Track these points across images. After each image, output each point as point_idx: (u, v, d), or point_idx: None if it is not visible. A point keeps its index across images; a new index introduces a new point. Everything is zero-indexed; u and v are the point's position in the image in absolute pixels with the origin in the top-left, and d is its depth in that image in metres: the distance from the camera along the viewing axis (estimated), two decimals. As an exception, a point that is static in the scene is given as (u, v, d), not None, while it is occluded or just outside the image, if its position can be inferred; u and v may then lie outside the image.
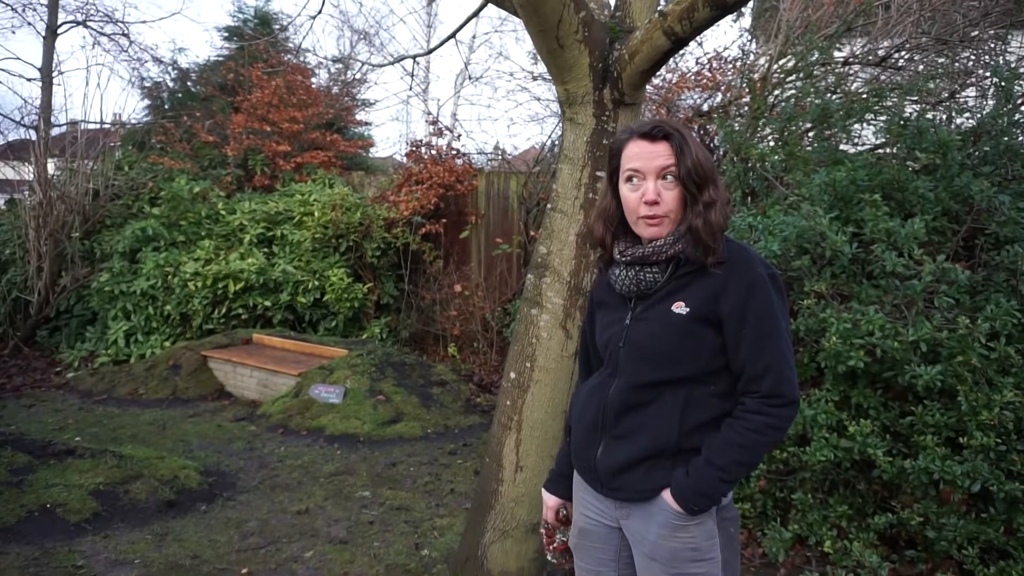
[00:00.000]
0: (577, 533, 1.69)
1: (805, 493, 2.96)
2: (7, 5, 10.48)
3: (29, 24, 11.78)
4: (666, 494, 1.48)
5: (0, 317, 6.98)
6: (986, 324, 2.64)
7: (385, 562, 3.06)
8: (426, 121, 8.28)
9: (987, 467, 2.56)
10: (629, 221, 1.56)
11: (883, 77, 5.04)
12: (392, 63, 5.48)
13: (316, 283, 6.60)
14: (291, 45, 10.34)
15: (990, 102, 3.68)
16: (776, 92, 4.77)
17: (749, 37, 6.47)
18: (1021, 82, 3.46)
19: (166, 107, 9.77)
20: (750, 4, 6.11)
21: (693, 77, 6.32)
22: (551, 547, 1.81)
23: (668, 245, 1.50)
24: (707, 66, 6.36)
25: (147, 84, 10.40)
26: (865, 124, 3.92)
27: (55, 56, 10.26)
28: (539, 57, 2.48)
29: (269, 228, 7.05)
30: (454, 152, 7.22)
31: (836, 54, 4.97)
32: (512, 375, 2.59)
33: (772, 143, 4.24)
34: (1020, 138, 3.42)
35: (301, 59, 10.26)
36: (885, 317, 2.78)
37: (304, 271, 6.66)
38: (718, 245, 1.46)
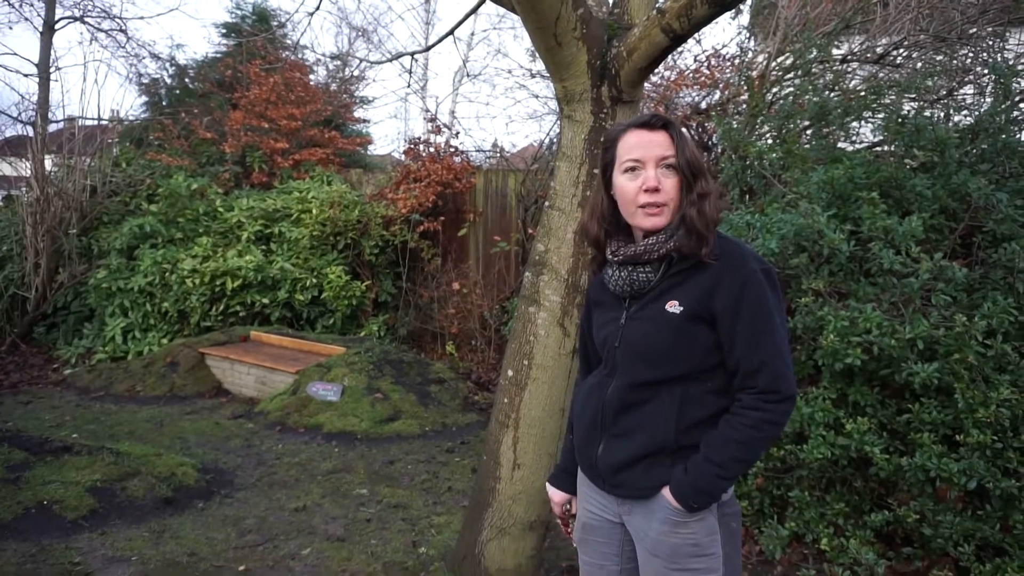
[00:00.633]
0: (581, 528, 1.71)
1: (802, 491, 2.97)
2: (4, 0, 10.45)
3: (26, 19, 11.76)
4: (666, 491, 1.49)
5: (-3, 314, 6.98)
6: (983, 322, 2.64)
7: (382, 560, 3.06)
8: (424, 118, 8.27)
9: (983, 464, 2.56)
10: (626, 214, 1.55)
11: (881, 74, 5.03)
12: (390, 60, 5.47)
13: (314, 281, 6.60)
14: (289, 42, 10.32)
15: (988, 99, 3.68)
16: (774, 90, 4.77)
17: (747, 35, 6.46)
18: (1019, 79, 3.46)
19: (164, 104, 9.74)
20: (748, 1, 6.11)
21: (691, 75, 6.32)
22: (570, 533, 1.83)
23: (660, 244, 1.50)
24: (705, 64, 6.36)
25: (145, 80, 10.38)
26: (863, 122, 3.92)
27: (52, 52, 10.23)
28: (537, 54, 2.48)
29: (267, 225, 7.04)
30: (452, 150, 7.21)
31: (834, 51, 4.96)
32: (510, 373, 2.59)
33: (770, 141, 4.24)
34: (1018, 135, 3.43)
35: (299, 56, 10.24)
36: (882, 315, 2.78)
37: (302, 268, 6.65)
38: (712, 236, 1.47)
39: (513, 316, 2.72)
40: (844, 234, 3.01)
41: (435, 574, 2.88)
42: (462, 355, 6.65)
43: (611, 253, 1.58)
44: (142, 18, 22.79)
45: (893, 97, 3.91)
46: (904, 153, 3.45)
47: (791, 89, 4.60)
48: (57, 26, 10.38)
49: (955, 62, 4.85)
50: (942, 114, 3.86)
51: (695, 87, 6.17)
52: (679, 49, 5.68)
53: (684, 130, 1.54)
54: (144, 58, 11.02)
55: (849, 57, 5.10)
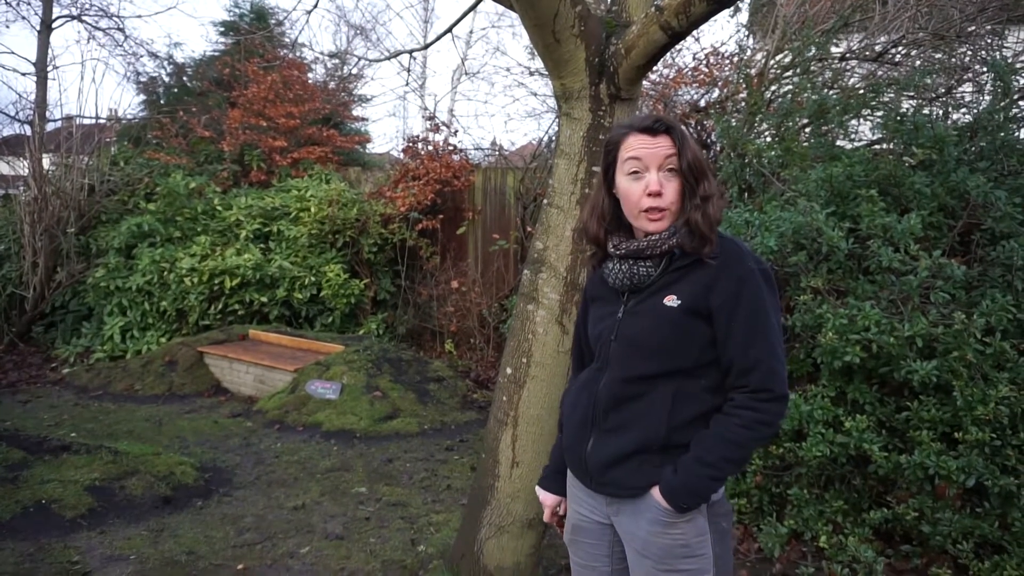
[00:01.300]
0: (571, 529, 1.70)
1: (801, 488, 2.97)
2: (1, -1, 10.43)
3: (24, 18, 11.77)
4: (655, 491, 1.48)
5: (-5, 313, 6.97)
6: (982, 319, 2.64)
7: (381, 558, 3.06)
8: (423, 117, 8.27)
9: (982, 462, 2.56)
10: (629, 216, 1.55)
11: (880, 72, 5.03)
12: (389, 58, 5.46)
13: (313, 279, 6.59)
14: (287, 40, 10.29)
15: (986, 97, 3.68)
16: (773, 88, 4.77)
17: (746, 32, 6.46)
18: (1017, 77, 3.46)
19: (162, 102, 9.73)
20: (747, -1, 6.10)
21: (690, 73, 6.32)
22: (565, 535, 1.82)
23: (663, 240, 1.50)
24: (704, 62, 6.35)
25: (143, 79, 10.37)
26: (862, 120, 3.92)
27: (50, 50, 10.20)
28: (536, 52, 2.47)
29: (265, 224, 7.03)
30: (451, 148, 7.20)
31: (833, 49, 4.96)
32: (508, 371, 2.59)
33: (769, 139, 4.24)
34: (1016, 133, 3.43)
35: (297, 54, 10.22)
36: (881, 312, 2.78)
37: (301, 267, 6.65)
38: (714, 236, 1.48)
39: (512, 314, 2.72)
40: (843, 232, 3.01)
41: (434, 572, 2.88)
42: (461, 353, 6.65)
43: (613, 247, 1.58)
44: (140, 16, 22.81)
45: (892, 95, 3.91)
46: (903, 151, 3.45)
47: (790, 87, 4.60)
48: (54, 24, 10.35)
49: (954, 60, 4.85)
50: (941, 112, 3.86)
51: (694, 85, 6.17)
52: (678, 47, 5.68)
53: (686, 132, 1.54)
54: (142, 56, 11.01)
55: (848, 55, 5.10)
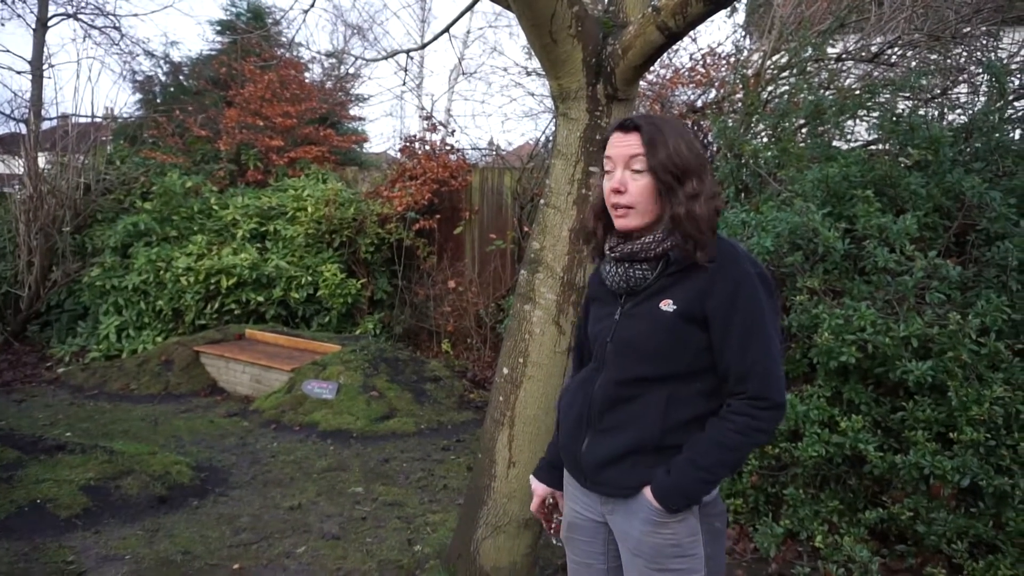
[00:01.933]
0: (567, 527, 1.71)
1: (797, 488, 2.98)
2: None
3: (19, 16, 11.71)
4: (647, 492, 1.49)
5: (-10, 312, 6.94)
6: (976, 320, 2.65)
7: (378, 558, 3.05)
8: (420, 116, 8.27)
9: (977, 462, 2.57)
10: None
11: (876, 73, 5.05)
12: (386, 58, 5.45)
13: (309, 279, 6.58)
14: (284, 39, 10.28)
15: (982, 98, 3.69)
16: (769, 88, 4.78)
17: (743, 33, 6.48)
18: (1012, 78, 3.47)
19: (158, 101, 9.70)
20: None
21: (687, 73, 6.33)
22: (552, 529, 1.83)
23: (657, 242, 1.50)
24: (701, 62, 6.37)
25: (139, 78, 10.34)
26: (858, 120, 3.93)
27: (45, 49, 10.17)
28: (533, 52, 2.48)
29: (262, 223, 7.02)
30: (448, 148, 7.20)
31: (829, 50, 4.98)
32: (505, 371, 2.59)
33: (765, 139, 4.25)
34: (1011, 134, 3.44)
35: (294, 53, 10.20)
36: (877, 313, 2.79)
37: (297, 266, 6.64)
38: (705, 239, 1.45)
39: (508, 314, 2.72)
40: (839, 232, 3.01)
41: (430, 572, 2.88)
42: (458, 353, 6.65)
43: (609, 249, 1.58)
44: (136, 15, 22.59)
45: (888, 96, 3.92)
46: (898, 151, 3.46)
47: (786, 87, 4.61)
48: (50, 23, 10.32)
49: (949, 61, 4.87)
50: (936, 113, 3.87)
51: (691, 85, 6.18)
52: (675, 47, 5.68)
53: (677, 128, 1.51)
54: (138, 55, 11.00)
55: (844, 56, 5.12)
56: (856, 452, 2.77)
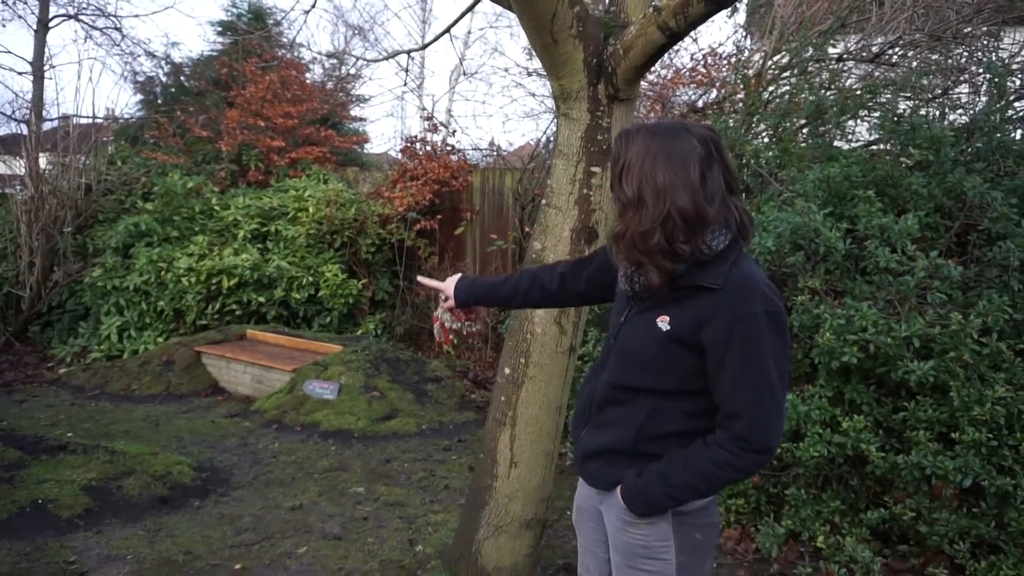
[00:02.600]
0: (576, 509, 1.77)
1: (798, 489, 2.97)
2: (-2, -1, 10.39)
3: (20, 17, 11.69)
4: (618, 490, 1.52)
5: (-8, 313, 6.95)
6: (978, 320, 2.65)
7: (379, 558, 3.05)
8: (421, 117, 8.26)
9: (979, 462, 2.57)
10: None
11: (877, 73, 5.05)
12: (387, 58, 5.46)
13: (310, 279, 6.58)
14: (285, 40, 10.28)
15: (983, 98, 3.69)
16: (770, 88, 4.78)
17: (744, 33, 6.48)
18: (1013, 78, 3.47)
19: (159, 102, 9.70)
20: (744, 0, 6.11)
21: (688, 73, 6.33)
22: (436, 319, 1.95)
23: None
24: (702, 62, 6.37)
25: (140, 78, 10.33)
26: (859, 120, 3.93)
27: (47, 49, 10.17)
28: (534, 52, 2.48)
29: (263, 224, 7.02)
30: (449, 148, 7.20)
31: (830, 50, 4.98)
32: (507, 371, 2.59)
33: (766, 139, 4.25)
34: (1012, 134, 3.44)
35: (295, 54, 10.21)
36: (878, 313, 2.79)
37: (298, 267, 6.64)
38: (653, 261, 1.37)
39: (510, 314, 2.72)
40: (840, 232, 3.01)
41: (432, 572, 2.88)
42: (459, 353, 6.64)
43: None
44: (137, 16, 22.59)
45: (889, 96, 3.92)
46: (900, 152, 3.46)
47: (787, 88, 4.61)
48: (51, 24, 10.32)
49: (950, 61, 4.87)
50: (937, 113, 3.87)
51: (692, 86, 6.19)
52: (676, 47, 5.68)
53: (650, 138, 1.40)
54: (139, 56, 10.96)
55: (845, 56, 5.12)
56: (858, 452, 2.77)
